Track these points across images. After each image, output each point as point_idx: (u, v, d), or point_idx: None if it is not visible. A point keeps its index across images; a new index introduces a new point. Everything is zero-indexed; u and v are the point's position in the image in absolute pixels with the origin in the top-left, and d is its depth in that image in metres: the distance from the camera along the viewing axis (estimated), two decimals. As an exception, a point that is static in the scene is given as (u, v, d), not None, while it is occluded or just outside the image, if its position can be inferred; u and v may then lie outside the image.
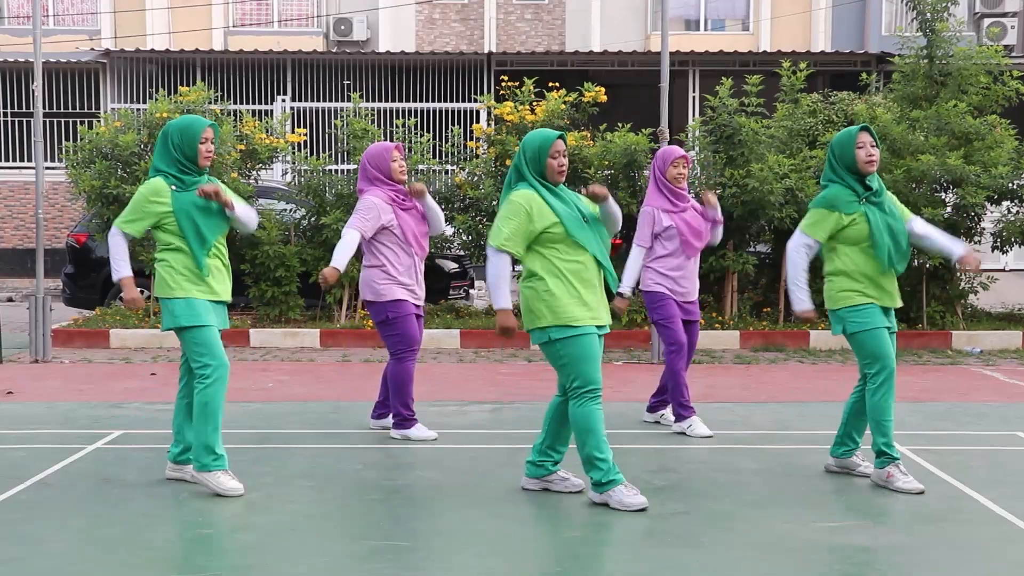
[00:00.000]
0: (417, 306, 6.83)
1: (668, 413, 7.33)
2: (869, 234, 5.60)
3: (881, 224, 5.62)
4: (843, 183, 5.66)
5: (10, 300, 17.35)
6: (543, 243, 5.27)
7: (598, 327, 5.31)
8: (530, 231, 5.25)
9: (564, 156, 5.36)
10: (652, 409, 7.42)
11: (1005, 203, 12.26)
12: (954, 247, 5.81)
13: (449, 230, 12.36)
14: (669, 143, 10.92)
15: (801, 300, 5.71)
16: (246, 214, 5.86)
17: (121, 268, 5.66)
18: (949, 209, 11.77)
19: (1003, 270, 16.55)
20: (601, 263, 5.33)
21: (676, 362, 7.02)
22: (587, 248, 5.28)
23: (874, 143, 5.66)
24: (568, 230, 5.23)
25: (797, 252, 5.71)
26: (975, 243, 12.21)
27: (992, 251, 12.45)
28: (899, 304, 5.82)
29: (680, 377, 7.03)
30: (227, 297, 5.77)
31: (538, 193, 5.31)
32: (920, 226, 5.85)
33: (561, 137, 5.38)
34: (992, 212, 12.34)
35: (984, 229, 12.22)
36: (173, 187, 5.60)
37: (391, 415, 6.96)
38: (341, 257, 6.56)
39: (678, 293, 7.03)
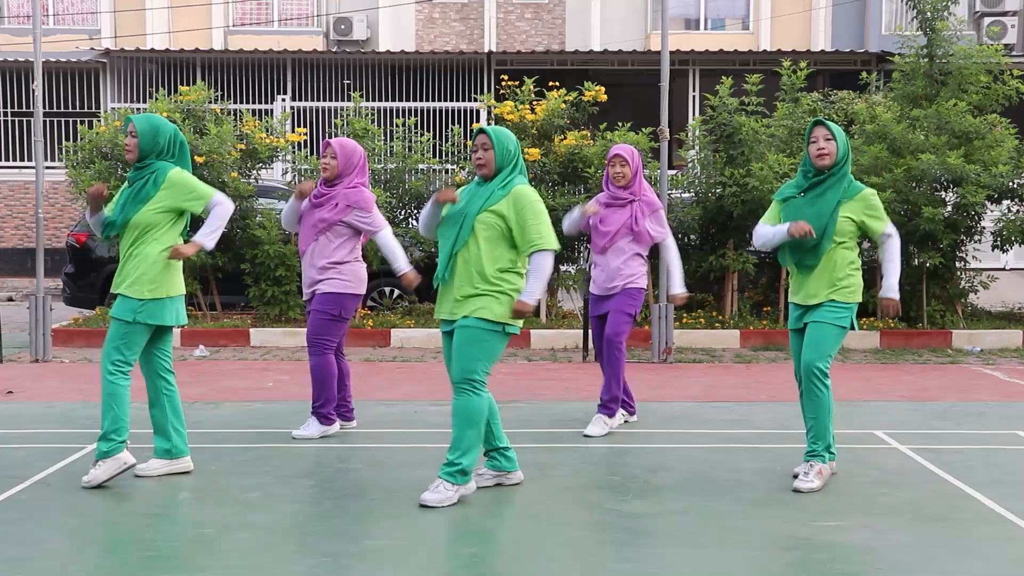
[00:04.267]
0: (307, 303, 6.94)
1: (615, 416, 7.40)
2: None
3: (792, 217, 5.69)
4: (797, 177, 5.87)
5: (10, 300, 17.35)
6: None
7: (445, 321, 5.53)
8: None
9: (482, 149, 5.48)
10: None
11: (1005, 202, 12.26)
12: (886, 282, 5.77)
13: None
14: (669, 142, 10.93)
15: (780, 230, 5.75)
16: (217, 226, 5.80)
17: None
18: (949, 208, 11.77)
19: (1003, 269, 16.55)
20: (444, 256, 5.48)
21: (598, 360, 7.41)
22: (440, 243, 5.53)
23: (828, 136, 5.66)
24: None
25: (757, 228, 5.94)
26: (975, 242, 12.22)
27: (992, 250, 12.45)
28: (811, 301, 5.68)
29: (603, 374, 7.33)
30: (119, 290, 5.75)
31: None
32: (884, 247, 5.77)
33: (482, 131, 5.50)
34: (992, 211, 12.33)
35: (984, 228, 12.22)
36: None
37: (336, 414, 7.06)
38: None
39: (595, 285, 7.26)
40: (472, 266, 5.35)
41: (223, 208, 5.82)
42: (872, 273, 9.93)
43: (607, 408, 7.08)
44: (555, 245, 5.39)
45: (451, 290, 5.43)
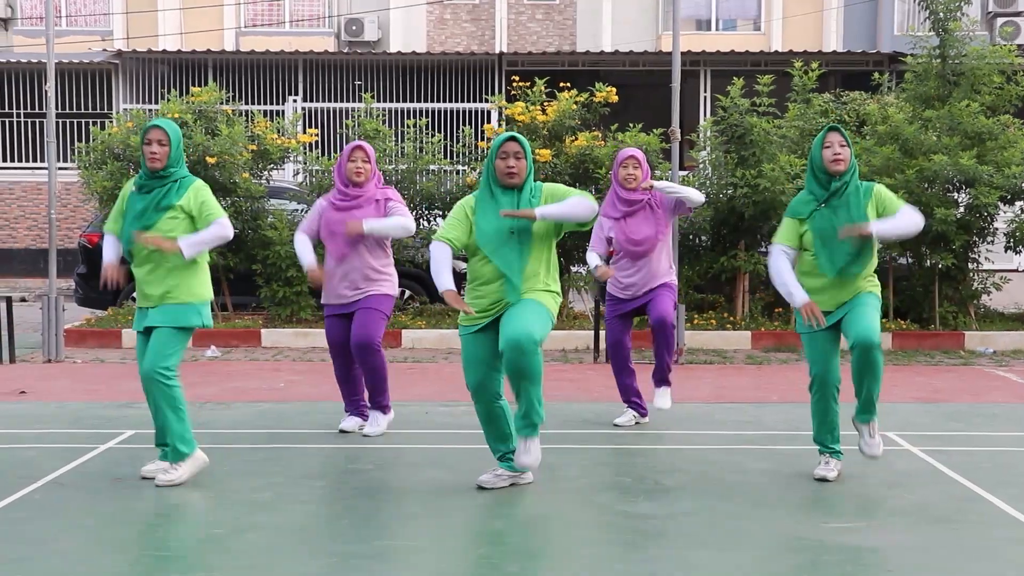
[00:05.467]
0: (342, 305, 6.89)
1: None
2: (811, 241, 5.69)
3: (824, 230, 5.62)
4: (808, 187, 5.78)
5: (23, 300, 17.41)
6: (470, 251, 5.54)
7: (493, 316, 5.51)
8: (468, 226, 5.51)
9: (515, 158, 5.45)
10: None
11: (1018, 203, 12.20)
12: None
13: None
14: (680, 143, 10.92)
15: (796, 295, 5.65)
16: (206, 241, 5.71)
17: (107, 257, 5.91)
18: (962, 209, 11.73)
19: (1016, 270, 16.44)
20: (505, 275, 5.43)
21: (612, 364, 7.43)
22: (492, 260, 5.45)
23: (843, 142, 5.64)
24: (479, 244, 5.47)
25: (775, 258, 5.78)
26: (988, 243, 12.17)
27: (1005, 251, 12.40)
28: (844, 300, 5.67)
29: (616, 377, 7.38)
30: (148, 303, 5.72)
31: (476, 202, 5.54)
32: (878, 225, 5.61)
33: (514, 139, 5.47)
34: (1005, 212, 12.28)
35: (997, 229, 12.17)
36: (134, 188, 5.77)
37: (362, 410, 7.15)
38: (303, 257, 6.96)
39: (621, 288, 7.24)
40: (533, 275, 5.48)
41: (222, 229, 5.69)
42: (883, 275, 9.91)
43: (666, 381, 7.35)
44: (595, 203, 5.52)
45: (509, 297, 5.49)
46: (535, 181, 5.63)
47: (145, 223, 5.63)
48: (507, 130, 12.33)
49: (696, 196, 7.12)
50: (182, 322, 5.69)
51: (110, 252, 5.88)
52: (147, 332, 5.76)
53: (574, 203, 5.42)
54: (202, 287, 5.79)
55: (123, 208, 5.79)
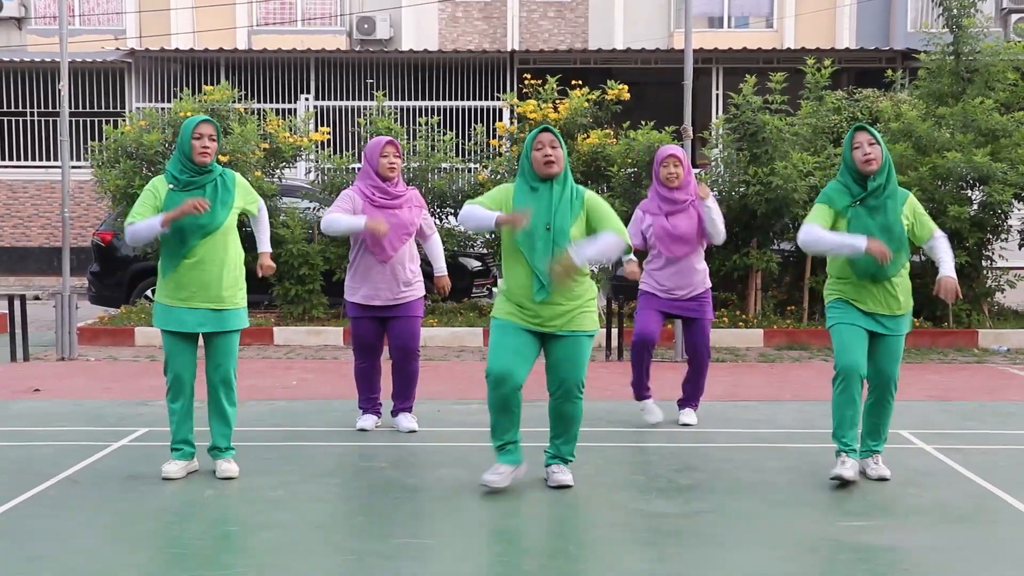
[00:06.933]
0: (378, 308, 6.86)
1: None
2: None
3: (859, 231, 5.56)
4: (842, 182, 5.69)
5: (37, 298, 17.47)
6: (505, 240, 5.52)
7: (535, 327, 5.47)
8: (504, 207, 5.50)
9: (551, 147, 5.45)
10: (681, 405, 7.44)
11: (1032, 200, 12.16)
12: (943, 268, 5.70)
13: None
14: (692, 141, 10.90)
15: (855, 243, 5.50)
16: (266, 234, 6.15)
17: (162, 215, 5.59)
18: (975, 207, 11.68)
19: (1030, 268, 16.38)
20: (535, 271, 5.40)
21: (633, 353, 7.27)
22: (525, 255, 5.43)
23: (872, 141, 5.57)
24: (515, 238, 5.44)
25: (809, 229, 5.62)
26: (1002, 241, 12.12)
27: (1019, 248, 12.35)
28: (893, 311, 5.67)
29: (635, 368, 7.27)
30: (213, 305, 5.72)
31: (515, 193, 5.54)
32: (933, 245, 5.77)
33: (547, 130, 5.50)
34: (1019, 210, 12.23)
35: (1011, 227, 12.12)
36: (171, 185, 5.71)
37: (394, 409, 7.18)
38: (351, 221, 6.67)
39: (661, 290, 7.15)
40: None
41: (266, 212, 6.15)
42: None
43: (695, 402, 7.35)
44: (630, 243, 5.68)
45: (548, 302, 5.43)
46: (575, 183, 5.63)
47: (218, 221, 5.66)
48: (518, 128, 12.36)
49: (719, 238, 7.16)
50: (245, 323, 5.91)
51: (155, 217, 5.57)
52: (188, 333, 5.80)
53: (608, 243, 5.43)
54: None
55: (159, 207, 5.62)
